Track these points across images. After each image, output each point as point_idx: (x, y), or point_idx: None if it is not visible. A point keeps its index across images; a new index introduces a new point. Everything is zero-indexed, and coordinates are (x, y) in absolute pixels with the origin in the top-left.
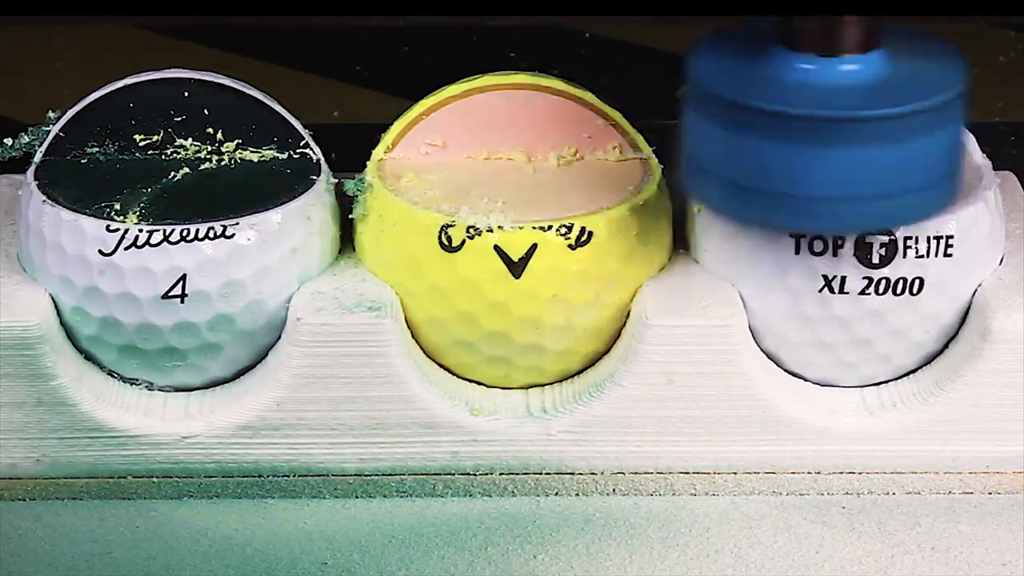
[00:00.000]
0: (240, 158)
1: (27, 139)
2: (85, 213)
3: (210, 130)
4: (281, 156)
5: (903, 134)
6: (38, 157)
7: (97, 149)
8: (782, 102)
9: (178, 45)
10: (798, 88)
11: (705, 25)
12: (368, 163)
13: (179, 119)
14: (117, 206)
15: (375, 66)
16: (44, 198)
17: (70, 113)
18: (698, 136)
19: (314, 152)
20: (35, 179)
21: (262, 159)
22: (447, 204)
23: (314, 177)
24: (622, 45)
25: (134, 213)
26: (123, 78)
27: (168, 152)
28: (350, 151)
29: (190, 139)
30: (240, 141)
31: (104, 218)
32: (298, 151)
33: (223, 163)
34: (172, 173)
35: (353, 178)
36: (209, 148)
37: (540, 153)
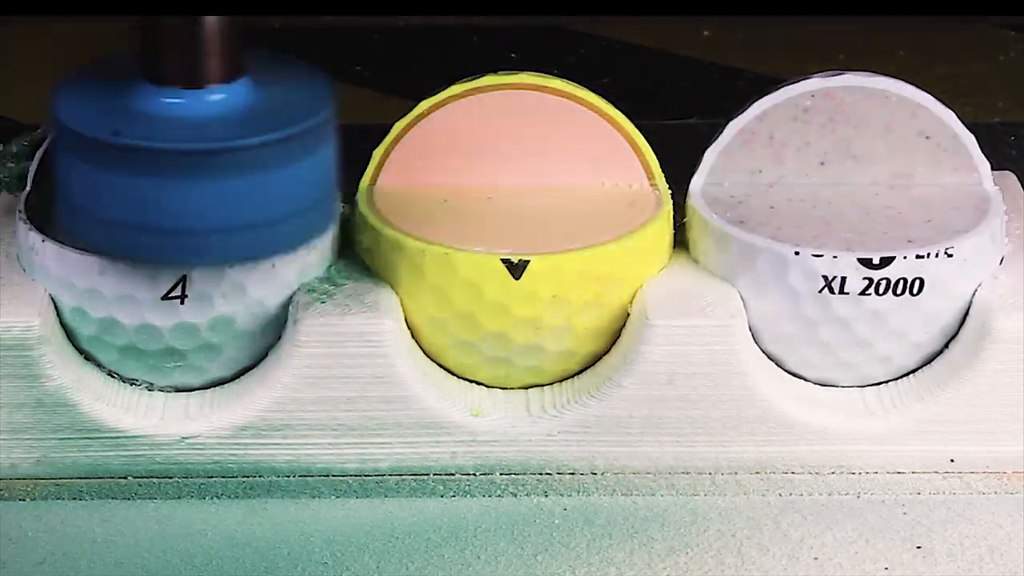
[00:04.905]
0: None
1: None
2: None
3: None
4: None
5: (277, 160)
6: (33, 168)
7: None
8: (150, 138)
9: None
10: (166, 122)
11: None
12: (368, 167)
13: None
14: None
15: (375, 66)
16: (35, 231)
17: None
18: (73, 177)
19: None
20: (26, 207)
21: None
22: (441, 234)
23: None
24: (622, 45)
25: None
26: None
27: None
28: (350, 151)
29: None
30: None
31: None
32: None
33: None
34: None
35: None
36: None
37: (540, 157)
